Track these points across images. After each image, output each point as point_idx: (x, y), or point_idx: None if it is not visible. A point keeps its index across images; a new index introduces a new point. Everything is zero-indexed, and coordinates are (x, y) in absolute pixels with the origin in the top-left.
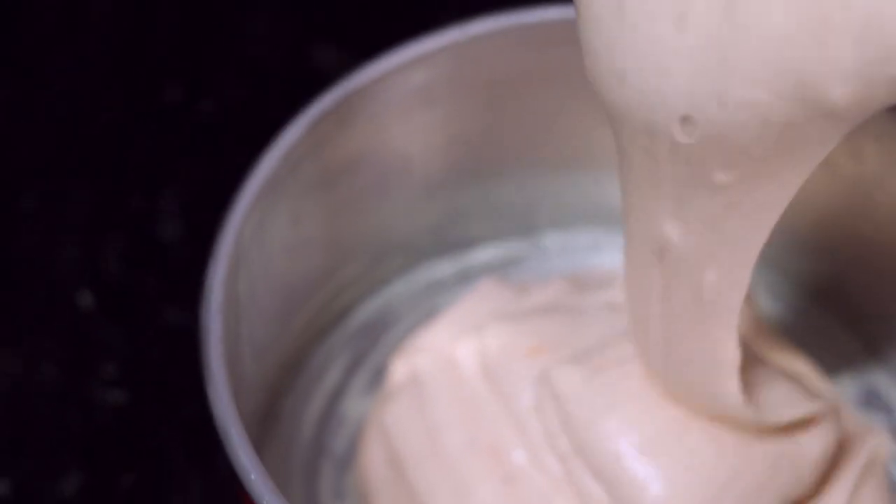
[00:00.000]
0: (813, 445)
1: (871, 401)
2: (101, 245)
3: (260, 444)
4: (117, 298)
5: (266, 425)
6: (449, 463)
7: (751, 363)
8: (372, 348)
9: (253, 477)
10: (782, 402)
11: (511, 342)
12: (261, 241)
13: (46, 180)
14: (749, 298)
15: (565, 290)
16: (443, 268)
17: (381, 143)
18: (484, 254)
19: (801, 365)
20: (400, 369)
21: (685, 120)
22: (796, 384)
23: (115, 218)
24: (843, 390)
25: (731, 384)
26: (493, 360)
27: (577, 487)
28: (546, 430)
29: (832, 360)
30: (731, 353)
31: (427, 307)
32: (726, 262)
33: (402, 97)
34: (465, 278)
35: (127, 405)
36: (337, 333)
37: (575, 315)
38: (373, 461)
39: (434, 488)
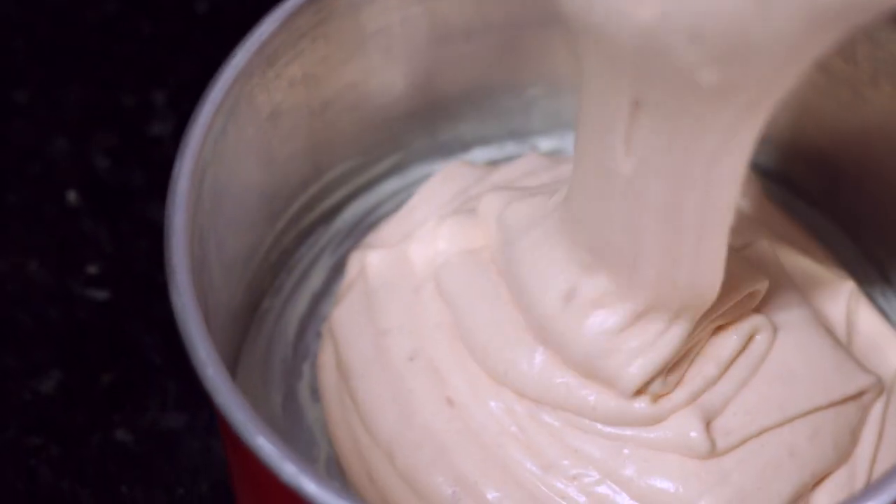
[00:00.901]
0: None
1: None
2: (90, 141)
3: (240, 341)
4: (104, 195)
5: (247, 324)
6: (393, 375)
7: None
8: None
9: (210, 372)
10: None
11: (464, 243)
12: (236, 136)
13: (38, 76)
14: (753, 180)
15: (536, 166)
16: (435, 168)
17: (364, 38)
18: (478, 155)
19: (814, 253)
20: (354, 266)
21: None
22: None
23: (106, 114)
24: None
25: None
26: (445, 269)
27: (516, 418)
28: None
29: None
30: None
31: None
32: (701, 183)
33: None
34: None
35: (108, 303)
36: (324, 234)
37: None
38: (325, 365)
39: (378, 401)
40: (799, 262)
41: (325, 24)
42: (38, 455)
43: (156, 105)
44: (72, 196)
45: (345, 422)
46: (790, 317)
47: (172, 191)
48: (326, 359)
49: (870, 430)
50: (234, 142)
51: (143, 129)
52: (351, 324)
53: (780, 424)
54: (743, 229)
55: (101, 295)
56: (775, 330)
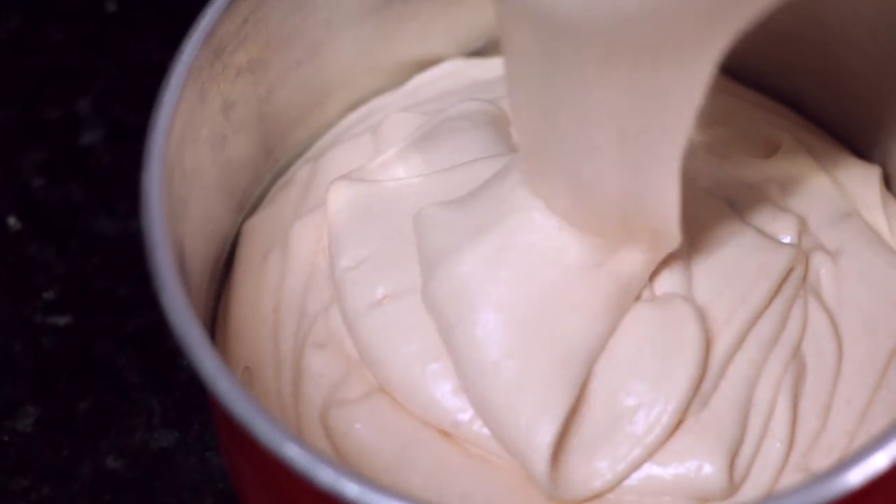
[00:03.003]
0: None
1: None
2: (21, 162)
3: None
4: (46, 215)
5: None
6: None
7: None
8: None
9: (223, 385)
10: None
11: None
12: (194, 135)
13: None
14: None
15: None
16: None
17: (304, 14)
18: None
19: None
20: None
21: None
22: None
23: (32, 131)
24: None
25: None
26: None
27: None
28: None
29: None
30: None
31: None
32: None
33: None
34: None
35: (71, 327)
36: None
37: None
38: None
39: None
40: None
41: (265, 5)
42: (26, 497)
43: (81, 114)
44: (12, 221)
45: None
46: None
47: (146, 204)
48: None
49: None
50: (191, 141)
51: (73, 141)
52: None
53: None
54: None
55: (62, 320)
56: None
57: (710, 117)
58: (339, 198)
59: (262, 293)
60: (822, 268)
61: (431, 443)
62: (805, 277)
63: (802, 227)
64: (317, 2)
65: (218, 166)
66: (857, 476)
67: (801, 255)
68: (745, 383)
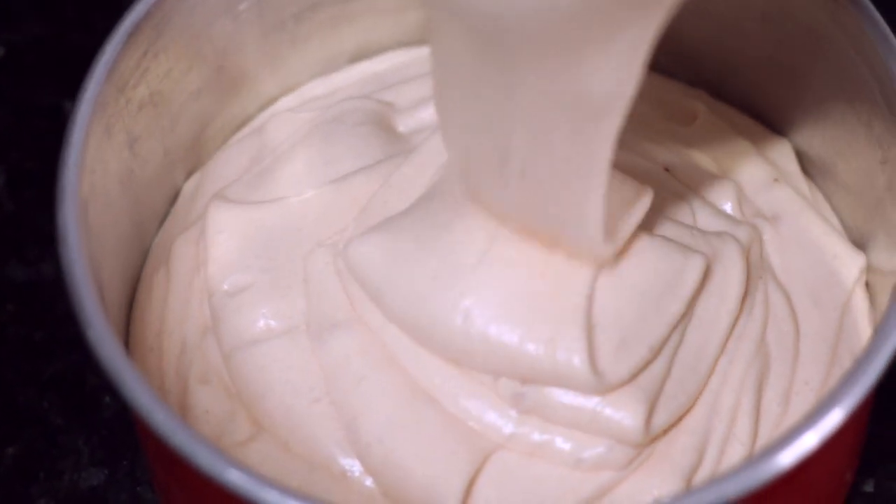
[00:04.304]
0: None
1: None
2: None
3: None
4: None
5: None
6: None
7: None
8: None
9: (160, 417)
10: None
11: None
12: (103, 171)
13: None
14: None
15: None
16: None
17: (199, 42)
18: None
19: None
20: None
21: None
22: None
23: None
24: None
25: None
26: None
27: None
28: None
29: None
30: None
31: None
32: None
33: None
34: None
35: None
36: None
37: None
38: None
39: None
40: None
41: (163, 36)
42: None
43: None
44: None
45: None
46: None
47: (64, 240)
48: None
49: None
50: (101, 177)
51: None
52: None
53: None
54: None
55: None
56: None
57: None
58: (219, 220)
59: (147, 317)
60: (765, 234)
61: (328, 482)
62: (761, 254)
63: (740, 192)
64: (211, 32)
65: (126, 199)
66: (789, 457)
67: (755, 231)
68: (709, 400)
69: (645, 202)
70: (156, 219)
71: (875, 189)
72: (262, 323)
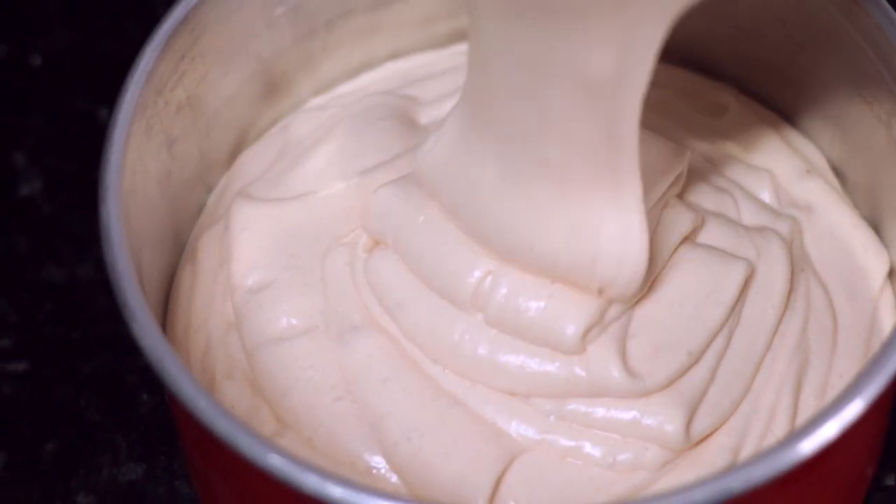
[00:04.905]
0: None
1: None
2: None
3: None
4: None
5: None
6: None
7: None
8: None
9: (202, 404)
10: None
11: None
12: (143, 171)
13: None
14: None
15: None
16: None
17: (235, 48)
18: None
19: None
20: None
21: None
22: None
23: None
24: None
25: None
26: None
27: None
28: None
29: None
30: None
31: None
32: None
33: None
34: None
35: (29, 373)
36: None
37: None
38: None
39: None
40: None
41: (200, 42)
42: None
43: (18, 166)
44: None
45: None
46: None
47: (107, 238)
48: None
49: None
50: (141, 178)
51: (12, 193)
52: None
53: None
54: None
55: (20, 367)
56: None
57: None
58: (241, 218)
59: (177, 313)
60: (802, 224)
61: (353, 478)
62: (802, 246)
63: (775, 182)
64: (246, 38)
65: (164, 200)
66: (809, 446)
67: (795, 223)
68: (750, 399)
69: (682, 161)
70: (191, 220)
71: (894, 188)
72: (283, 321)
